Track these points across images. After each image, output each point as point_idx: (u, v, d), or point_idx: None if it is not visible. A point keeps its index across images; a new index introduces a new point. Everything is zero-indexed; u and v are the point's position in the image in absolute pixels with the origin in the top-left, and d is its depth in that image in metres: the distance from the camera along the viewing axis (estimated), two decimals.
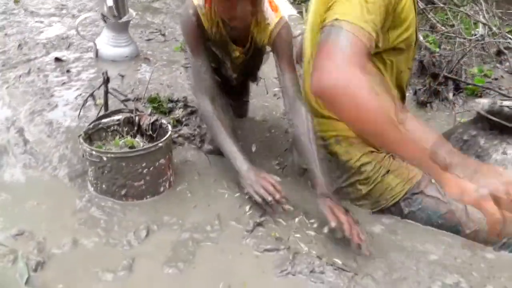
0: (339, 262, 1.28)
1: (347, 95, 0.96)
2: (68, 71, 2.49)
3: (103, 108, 1.79)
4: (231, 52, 1.65)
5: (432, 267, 1.27)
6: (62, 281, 1.16)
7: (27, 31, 3.11)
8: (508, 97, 2.61)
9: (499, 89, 2.71)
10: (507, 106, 1.74)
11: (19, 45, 2.80)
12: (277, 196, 1.37)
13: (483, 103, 1.77)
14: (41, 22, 3.34)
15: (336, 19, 1.07)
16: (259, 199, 1.39)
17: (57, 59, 2.61)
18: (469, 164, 0.93)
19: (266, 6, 1.53)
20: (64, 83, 2.34)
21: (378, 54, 1.35)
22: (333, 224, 1.28)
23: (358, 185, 1.47)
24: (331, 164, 1.48)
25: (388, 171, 1.44)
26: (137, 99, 2.11)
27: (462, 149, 1.64)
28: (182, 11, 1.61)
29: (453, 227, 1.39)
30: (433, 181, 1.42)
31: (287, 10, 3.84)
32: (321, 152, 1.45)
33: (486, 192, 0.88)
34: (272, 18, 1.53)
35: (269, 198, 1.37)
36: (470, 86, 2.69)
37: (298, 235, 1.38)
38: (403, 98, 1.59)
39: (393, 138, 0.96)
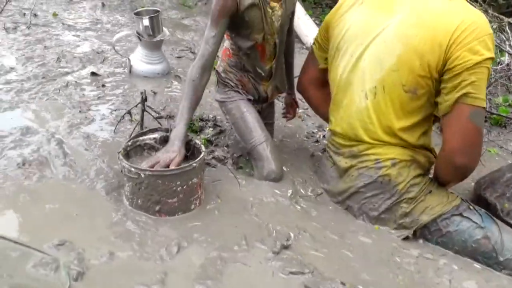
0: None
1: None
2: (103, 85, 2.61)
3: (139, 125, 1.88)
4: (268, 10, 1.76)
5: None
6: None
7: (64, 44, 3.27)
8: None
9: None
10: None
11: (58, 58, 2.94)
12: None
13: None
14: (78, 36, 3.50)
15: (482, 107, 1.40)
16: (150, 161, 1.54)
17: (93, 74, 2.74)
18: None
19: None
20: (99, 97, 2.45)
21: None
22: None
23: (403, 204, 1.55)
24: (382, 186, 1.57)
25: (430, 192, 1.55)
26: (170, 117, 2.20)
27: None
28: None
29: (487, 253, 1.46)
30: (471, 207, 1.53)
31: (314, 32, 3.93)
32: (372, 175, 1.58)
33: None
34: None
35: (145, 167, 1.52)
36: (494, 115, 2.72)
37: (323, 260, 1.43)
38: None
39: None
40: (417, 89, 1.46)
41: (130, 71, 2.81)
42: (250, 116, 1.89)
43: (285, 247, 1.46)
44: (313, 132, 2.42)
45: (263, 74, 1.91)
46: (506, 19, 3.60)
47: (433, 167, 1.64)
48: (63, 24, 3.76)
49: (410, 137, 1.55)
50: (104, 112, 2.28)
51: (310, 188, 1.82)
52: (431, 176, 1.67)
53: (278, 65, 1.95)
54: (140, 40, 2.77)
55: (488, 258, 1.46)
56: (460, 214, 1.51)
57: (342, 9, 1.71)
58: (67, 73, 2.74)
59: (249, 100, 1.95)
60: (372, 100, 1.54)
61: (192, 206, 1.59)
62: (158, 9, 2.88)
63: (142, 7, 4.43)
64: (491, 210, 1.66)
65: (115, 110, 2.30)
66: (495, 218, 1.53)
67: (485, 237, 1.46)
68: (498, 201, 1.71)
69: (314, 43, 1.89)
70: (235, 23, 1.75)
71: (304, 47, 3.85)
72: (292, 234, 1.53)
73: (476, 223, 1.49)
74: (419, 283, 1.39)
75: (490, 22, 3.60)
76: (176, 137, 1.60)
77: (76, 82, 2.61)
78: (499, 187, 1.76)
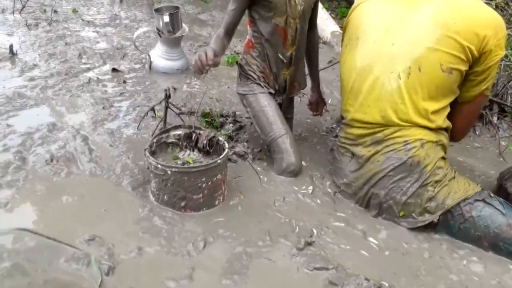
0: (386, 284, 1.34)
1: None
2: (124, 81, 2.65)
3: (162, 121, 1.91)
4: None
5: None
6: (130, 286, 1.27)
7: (85, 40, 3.32)
8: None
9: None
10: None
11: (79, 55, 2.99)
12: (204, 64, 1.61)
13: None
14: (97, 32, 3.55)
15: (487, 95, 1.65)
16: (192, 63, 1.66)
17: (114, 70, 2.78)
18: None
19: None
20: (121, 94, 2.49)
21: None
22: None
23: (429, 187, 1.58)
24: (411, 168, 1.60)
25: (454, 177, 1.62)
26: (191, 113, 2.23)
27: None
28: None
29: (509, 239, 1.50)
30: (492, 194, 1.59)
31: (330, 26, 3.91)
32: (401, 158, 1.61)
33: None
34: None
35: (193, 63, 1.65)
36: None
37: (346, 256, 1.45)
38: None
39: None
40: (453, 70, 1.56)
41: (150, 67, 2.85)
42: (270, 109, 1.92)
43: (309, 243, 1.48)
44: (332, 127, 2.42)
45: (284, 60, 1.95)
46: None
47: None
48: (83, 20, 3.81)
49: (439, 119, 1.61)
50: (127, 108, 2.32)
51: (328, 183, 1.83)
52: None
53: (298, 54, 1.97)
54: (160, 36, 2.80)
55: (509, 244, 1.50)
56: (483, 200, 1.55)
57: (358, 6, 1.80)
58: (88, 70, 2.78)
59: (270, 93, 1.98)
60: (406, 80, 1.59)
61: (216, 202, 1.62)
62: (178, 5, 2.90)
63: (159, 2, 4.47)
64: (509, 199, 1.70)
65: (138, 107, 2.33)
66: None
67: (508, 224, 1.50)
68: None
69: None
70: (259, 4, 1.84)
71: (321, 41, 3.84)
72: (315, 231, 1.56)
73: (498, 209, 1.53)
74: (440, 277, 1.40)
75: None
76: (210, 44, 1.78)
77: (98, 78, 2.66)
78: None
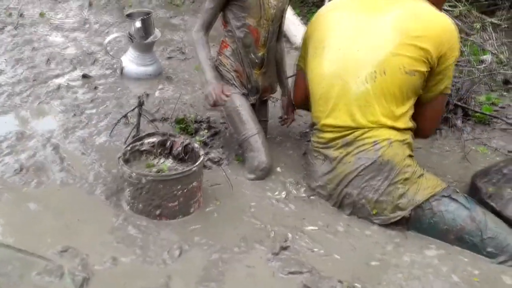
0: (358, 286, 1.38)
1: None
2: (95, 88, 2.61)
3: (135, 128, 1.90)
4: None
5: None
6: None
7: (53, 45, 3.24)
8: None
9: (506, 117, 2.82)
10: None
11: (48, 60, 2.92)
12: (220, 98, 1.88)
13: None
14: (66, 36, 3.47)
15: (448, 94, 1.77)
16: (209, 97, 1.89)
17: (84, 76, 2.73)
18: None
19: None
20: (92, 100, 2.45)
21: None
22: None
23: (399, 185, 1.66)
24: (381, 167, 1.67)
25: (422, 175, 1.69)
26: (164, 119, 2.22)
27: (500, 180, 1.84)
28: None
29: (473, 232, 1.59)
30: (457, 190, 1.69)
31: (302, 32, 3.97)
32: (371, 157, 1.69)
33: None
34: None
35: (213, 97, 1.88)
36: (478, 114, 2.79)
37: (320, 259, 1.48)
38: None
39: None
40: (415, 72, 1.67)
41: (121, 73, 2.81)
42: (244, 109, 1.98)
43: (284, 248, 1.51)
44: (305, 131, 2.46)
45: (256, 60, 2.02)
46: (488, 19, 3.70)
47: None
48: (51, 24, 3.73)
49: (404, 119, 1.72)
50: (98, 115, 2.29)
51: (303, 189, 1.87)
52: None
53: (269, 55, 2.06)
54: (132, 41, 2.77)
55: (473, 236, 1.59)
56: (449, 196, 1.64)
57: (321, 14, 1.92)
58: (58, 76, 2.73)
59: (243, 95, 2.04)
60: (372, 84, 1.68)
61: (192, 209, 1.63)
62: (150, 10, 2.88)
63: (130, 6, 4.41)
64: (477, 193, 1.83)
65: (110, 113, 2.30)
66: (477, 202, 1.68)
67: (471, 217, 1.60)
68: (484, 185, 1.85)
69: (299, 62, 2.05)
70: (233, 4, 1.92)
71: (293, 46, 3.89)
72: (290, 235, 1.58)
73: (462, 204, 1.63)
74: (414, 278, 1.45)
75: (474, 22, 3.72)
76: (211, 77, 1.93)
77: (68, 84, 2.61)
78: (489, 174, 1.92)
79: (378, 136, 1.69)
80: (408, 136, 1.74)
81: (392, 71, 1.67)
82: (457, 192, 1.68)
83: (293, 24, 3.96)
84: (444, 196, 1.65)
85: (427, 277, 1.46)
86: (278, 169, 1.99)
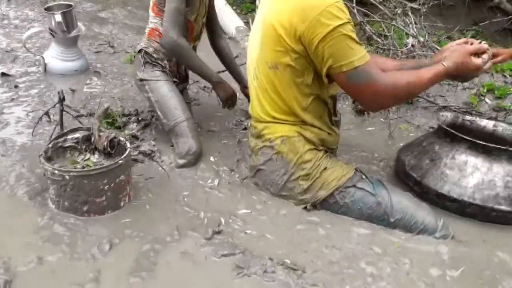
0: (288, 262, 1.44)
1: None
2: (16, 86, 2.48)
3: (58, 125, 1.83)
4: None
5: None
6: None
7: None
8: (435, 104, 2.93)
9: (427, 96, 3.02)
10: (468, 120, 2.15)
11: None
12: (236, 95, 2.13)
13: (447, 116, 2.15)
14: None
15: (356, 67, 1.49)
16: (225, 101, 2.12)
17: (3, 74, 2.58)
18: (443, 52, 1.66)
19: None
20: (13, 99, 2.33)
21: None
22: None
23: (300, 181, 1.68)
24: (277, 163, 1.70)
25: (325, 168, 1.67)
26: (90, 115, 2.16)
27: (420, 152, 1.97)
28: None
29: (380, 217, 1.65)
30: (363, 177, 1.70)
31: (235, 22, 3.99)
32: (269, 153, 1.71)
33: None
34: None
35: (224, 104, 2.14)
36: None
37: (252, 240, 1.52)
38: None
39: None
40: (278, 64, 1.59)
41: (45, 70, 2.69)
42: (175, 95, 2.04)
43: (217, 232, 1.53)
44: (241, 120, 2.49)
45: None
46: (409, 4, 3.91)
47: (322, 142, 1.74)
48: None
49: (300, 113, 1.65)
50: (20, 114, 2.18)
51: (237, 175, 1.90)
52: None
53: (197, 46, 2.21)
54: (54, 36, 2.65)
55: (381, 220, 1.65)
56: (354, 186, 1.65)
57: None
58: None
59: (174, 82, 2.11)
60: (257, 81, 1.72)
61: (122, 203, 1.60)
62: (70, 3, 2.76)
63: (54, 1, 4.20)
64: (401, 166, 1.97)
65: (32, 112, 2.20)
66: (385, 184, 1.71)
67: (377, 203, 1.63)
68: (406, 158, 1.98)
69: None
70: None
71: (227, 36, 3.90)
72: (223, 220, 1.60)
73: (368, 191, 1.65)
74: (339, 249, 1.53)
75: (395, 7, 3.92)
76: (219, 78, 2.07)
77: None
78: (411, 148, 2.05)
79: (273, 134, 1.70)
80: (306, 132, 1.67)
81: (262, 68, 1.65)
82: (363, 177, 1.68)
83: (225, 14, 3.98)
84: (348, 186, 1.65)
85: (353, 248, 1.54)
86: (212, 158, 2.00)
